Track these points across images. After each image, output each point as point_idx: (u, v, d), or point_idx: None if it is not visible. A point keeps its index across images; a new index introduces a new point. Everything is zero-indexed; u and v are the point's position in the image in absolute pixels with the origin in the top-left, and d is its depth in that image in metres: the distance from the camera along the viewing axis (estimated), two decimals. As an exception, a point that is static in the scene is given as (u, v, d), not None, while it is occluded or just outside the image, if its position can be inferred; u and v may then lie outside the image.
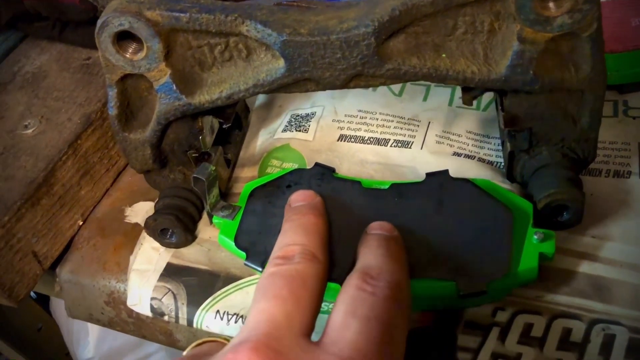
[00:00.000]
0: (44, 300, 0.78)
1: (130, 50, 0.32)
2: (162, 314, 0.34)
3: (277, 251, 0.27)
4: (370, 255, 0.27)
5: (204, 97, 0.33)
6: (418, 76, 0.30)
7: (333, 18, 0.30)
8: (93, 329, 0.74)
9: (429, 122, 0.39)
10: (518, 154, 0.33)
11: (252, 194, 0.34)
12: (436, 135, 0.38)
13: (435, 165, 0.36)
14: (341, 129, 0.40)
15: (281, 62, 0.31)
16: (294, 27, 0.30)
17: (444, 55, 0.30)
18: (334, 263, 0.30)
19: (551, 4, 0.28)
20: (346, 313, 0.23)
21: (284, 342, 0.22)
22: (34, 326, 0.73)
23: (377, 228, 0.29)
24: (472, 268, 0.29)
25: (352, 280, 0.25)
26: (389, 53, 0.30)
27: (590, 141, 0.32)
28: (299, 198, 0.31)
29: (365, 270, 0.25)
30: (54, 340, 0.76)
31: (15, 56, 0.47)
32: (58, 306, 0.77)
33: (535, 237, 0.29)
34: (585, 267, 0.30)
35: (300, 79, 0.31)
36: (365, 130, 0.40)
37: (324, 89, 0.31)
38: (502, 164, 0.37)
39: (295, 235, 0.28)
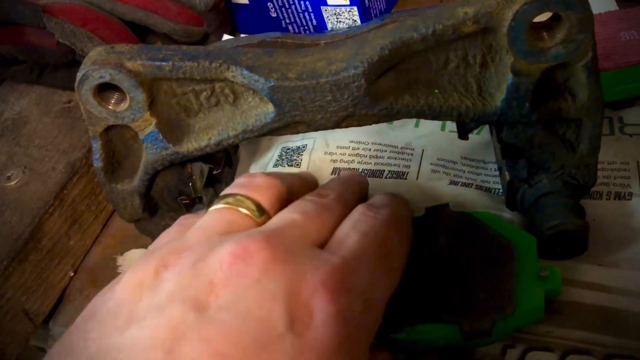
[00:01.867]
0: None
1: (112, 101, 0.31)
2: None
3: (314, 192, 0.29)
4: (377, 195, 0.30)
5: (192, 144, 0.32)
6: (412, 114, 0.29)
7: (321, 60, 0.29)
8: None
9: (423, 150, 0.39)
10: (517, 183, 0.33)
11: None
12: (431, 164, 0.38)
13: (432, 196, 0.36)
14: (334, 161, 0.39)
15: (270, 107, 0.30)
16: (282, 72, 0.29)
17: (436, 91, 0.29)
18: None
19: (545, 35, 0.27)
20: (347, 228, 0.26)
21: (296, 243, 0.24)
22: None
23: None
24: (475, 308, 0.28)
25: (358, 209, 0.28)
26: (380, 92, 0.29)
27: (590, 167, 0.32)
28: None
29: (370, 202, 0.29)
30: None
31: (-7, 102, 0.46)
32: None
33: (541, 274, 0.29)
34: (594, 298, 0.30)
35: (290, 122, 0.30)
36: (359, 162, 0.39)
37: (315, 130, 0.31)
38: (501, 190, 0.36)
39: (335, 184, 0.31)
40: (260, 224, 0.26)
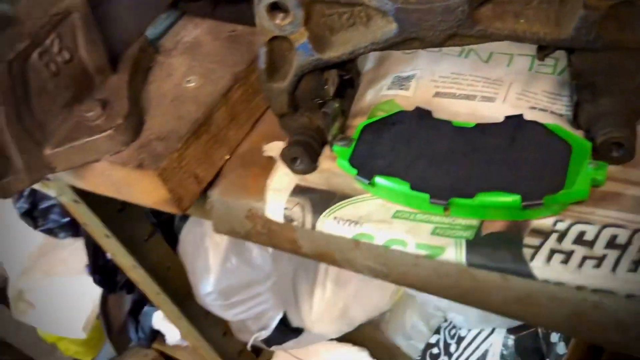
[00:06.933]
0: (172, 244, 0.92)
1: (279, 18, 0.42)
2: (292, 220, 0.45)
3: None
4: None
5: (332, 53, 0.43)
6: (501, 37, 0.39)
7: (436, -9, 0.39)
8: (214, 268, 0.87)
9: (511, 83, 0.47)
10: (583, 104, 0.41)
11: (364, 129, 0.44)
12: (516, 93, 0.46)
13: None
14: (437, 87, 0.49)
15: (394, 25, 0.40)
16: (406, -2, 0.39)
17: (522, 20, 0.38)
18: (428, 181, 0.39)
19: (611, -23, 0.35)
20: None
21: None
22: (165, 264, 0.87)
23: None
24: (534, 186, 0.37)
25: None
26: (478, 18, 0.38)
27: (646, 94, 0.39)
28: None
29: None
30: (181, 276, 0.89)
31: (176, 30, 0.59)
32: (184, 248, 0.91)
33: (590, 165, 0.37)
34: (633, 191, 0.38)
35: (408, 38, 0.40)
36: (457, 89, 0.48)
37: (425, 47, 0.41)
38: (571, 116, 0.44)
39: None
40: None
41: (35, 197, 1.06)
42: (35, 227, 1.08)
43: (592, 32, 0.37)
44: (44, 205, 1.06)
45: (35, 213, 1.07)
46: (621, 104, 0.40)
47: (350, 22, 0.42)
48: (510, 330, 0.87)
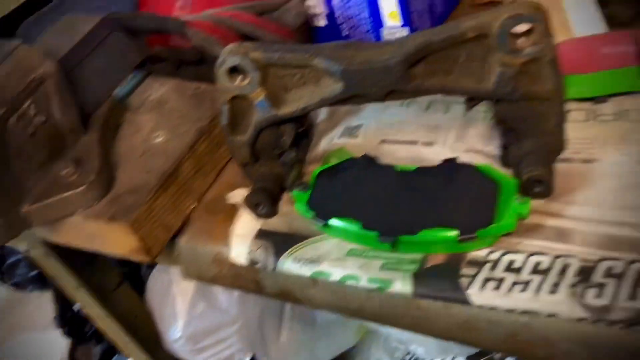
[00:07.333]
0: (140, 292, 0.94)
1: (238, 80, 0.47)
2: (256, 263, 0.49)
3: None
4: None
5: (287, 109, 0.48)
6: (434, 91, 0.44)
7: (376, 53, 0.44)
8: (182, 314, 0.89)
9: (449, 129, 0.53)
10: (509, 146, 0.47)
11: (319, 175, 0.49)
12: (454, 137, 0.52)
13: (452, 158, 0.50)
14: (382, 135, 0.54)
15: (340, 84, 0.45)
16: (349, 60, 0.44)
17: (451, 76, 0.44)
18: (377, 221, 0.44)
19: (520, 41, 0.41)
20: None
21: None
22: (133, 313, 0.89)
23: None
24: (469, 221, 0.42)
25: None
26: (413, 76, 0.44)
27: (559, 135, 0.45)
28: None
29: None
30: (149, 324, 0.91)
31: (143, 88, 0.64)
32: (151, 296, 0.93)
33: (516, 201, 0.42)
34: (553, 222, 0.43)
35: (353, 95, 0.45)
36: (400, 135, 0.54)
37: (369, 102, 0.46)
38: (501, 157, 0.50)
39: None
40: None
41: (3, 252, 1.07)
42: (3, 282, 1.09)
43: (509, 86, 0.43)
44: (11, 259, 1.07)
45: (2, 268, 1.08)
46: (540, 145, 0.45)
47: (302, 81, 0.47)
48: (469, 358, 0.91)
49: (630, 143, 0.47)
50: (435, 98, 0.56)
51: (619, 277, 0.38)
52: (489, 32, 0.41)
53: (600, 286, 0.38)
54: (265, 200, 0.50)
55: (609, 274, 0.39)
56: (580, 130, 0.50)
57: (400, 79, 0.44)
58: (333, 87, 0.46)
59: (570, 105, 0.52)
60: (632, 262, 0.39)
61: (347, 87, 0.45)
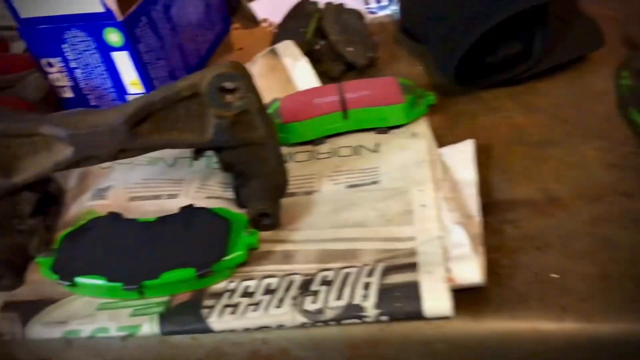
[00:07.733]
0: None
1: (-37, 153, 0.47)
2: (2, 335, 0.48)
3: None
4: None
5: (20, 177, 0.48)
6: (160, 146, 0.49)
7: (101, 117, 0.48)
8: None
9: (192, 180, 0.58)
10: (240, 187, 0.53)
11: (64, 239, 0.49)
12: (196, 187, 0.57)
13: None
14: (130, 193, 0.57)
15: (71, 148, 0.47)
16: (76, 125, 0.47)
17: (175, 131, 0.49)
18: (121, 272, 0.46)
19: (228, 97, 0.48)
20: None
21: None
22: None
23: None
24: (204, 258, 0.46)
25: None
26: (139, 134, 0.48)
27: (281, 174, 0.53)
28: None
29: None
30: None
31: None
32: None
33: (245, 234, 0.48)
34: (280, 247, 0.49)
35: (85, 157, 0.48)
36: (147, 192, 0.57)
37: (102, 162, 0.49)
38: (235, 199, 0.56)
39: None
40: None
41: None
42: None
43: (226, 135, 0.49)
44: None
45: None
46: (265, 183, 0.52)
47: (33, 148, 0.48)
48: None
49: (340, 174, 0.56)
50: (182, 153, 0.61)
51: (330, 283, 0.45)
52: (200, 90, 0.47)
53: (315, 293, 0.45)
54: (6, 272, 0.49)
55: (323, 282, 0.45)
56: (303, 168, 0.58)
57: (126, 139, 0.47)
58: (65, 151, 0.48)
59: (296, 149, 0.61)
60: (342, 268, 0.46)
61: (78, 151, 0.47)
